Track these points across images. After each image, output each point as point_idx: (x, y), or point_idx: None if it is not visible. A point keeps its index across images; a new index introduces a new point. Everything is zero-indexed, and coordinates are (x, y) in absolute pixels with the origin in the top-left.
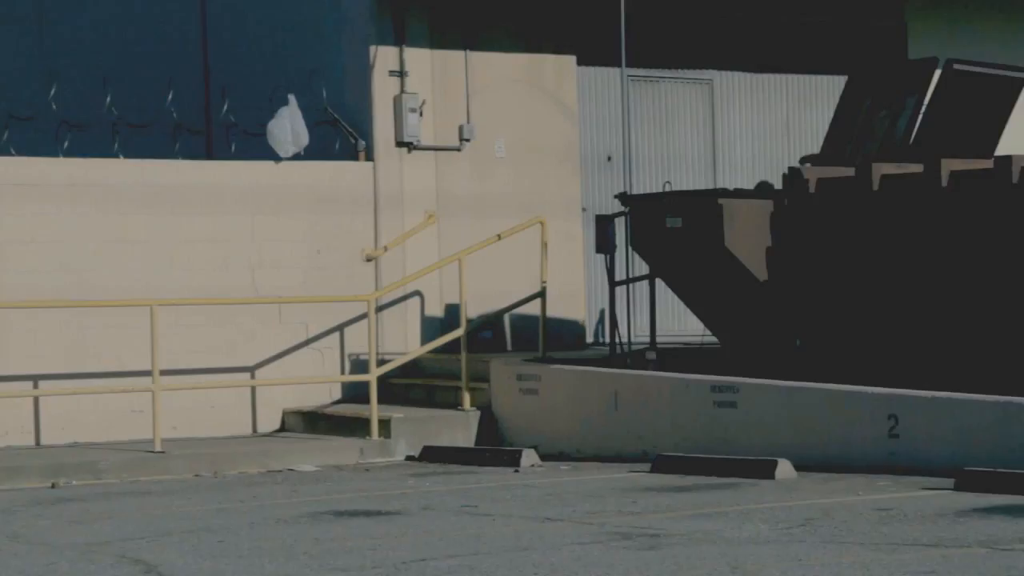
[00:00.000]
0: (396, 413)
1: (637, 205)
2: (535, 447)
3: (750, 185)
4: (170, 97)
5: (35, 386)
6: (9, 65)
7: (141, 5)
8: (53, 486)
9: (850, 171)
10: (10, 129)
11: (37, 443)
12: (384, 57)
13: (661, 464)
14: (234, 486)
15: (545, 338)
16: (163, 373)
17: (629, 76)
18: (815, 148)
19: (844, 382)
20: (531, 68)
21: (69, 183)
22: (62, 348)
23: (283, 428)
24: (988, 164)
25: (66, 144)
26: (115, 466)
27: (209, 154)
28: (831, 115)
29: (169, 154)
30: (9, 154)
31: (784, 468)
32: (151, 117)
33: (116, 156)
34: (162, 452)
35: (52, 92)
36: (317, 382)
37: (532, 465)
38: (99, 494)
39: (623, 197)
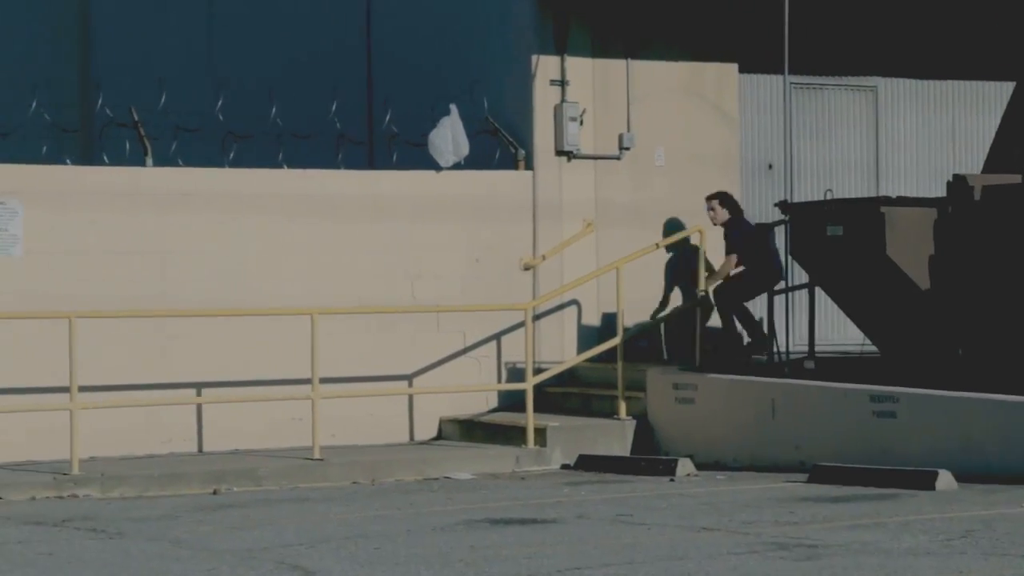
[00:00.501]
0: (552, 422)
1: (797, 213)
2: (691, 456)
3: (914, 193)
4: (334, 108)
5: (198, 394)
6: (178, 77)
7: (306, 18)
8: (215, 492)
9: (1016, 178)
10: (178, 140)
11: (200, 450)
12: (545, 66)
13: (818, 474)
14: (391, 493)
15: (702, 347)
16: (323, 381)
17: (791, 83)
18: (981, 155)
19: (1007, 392)
20: (692, 76)
21: (234, 193)
22: (225, 356)
23: (440, 436)
24: None
25: (232, 154)
26: (275, 473)
27: (371, 164)
28: (998, 122)
29: (332, 164)
30: (176, 164)
31: (945, 479)
32: (315, 128)
33: (280, 166)
34: (321, 459)
35: (219, 104)
36: (474, 390)
37: (688, 474)
38: (259, 500)
39: (783, 205)
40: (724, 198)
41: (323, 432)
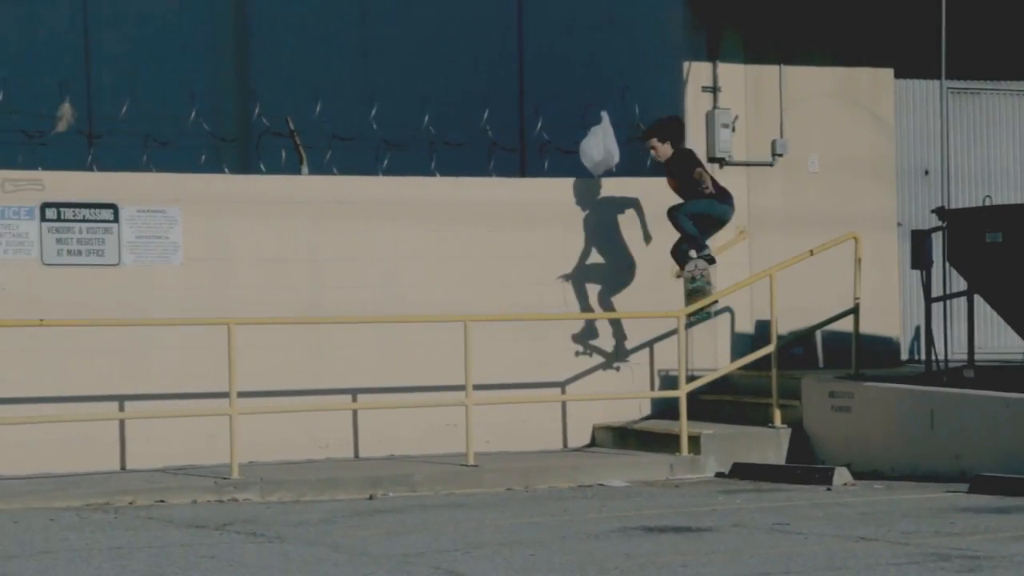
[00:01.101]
0: (706, 429)
1: (955, 220)
2: (847, 465)
3: None
4: (485, 116)
5: (354, 399)
6: (333, 87)
7: (458, 27)
8: (371, 498)
9: None
10: (333, 149)
11: (356, 455)
12: (697, 73)
13: (980, 484)
14: (545, 500)
15: (858, 355)
16: (476, 388)
17: (948, 88)
18: None
19: None
20: (846, 82)
21: (387, 201)
22: (379, 362)
23: (593, 443)
24: None
25: (385, 163)
26: (429, 479)
27: (523, 172)
28: None
29: (483, 172)
30: (331, 173)
31: None
32: (467, 136)
33: (432, 174)
34: (475, 466)
35: (372, 112)
36: (626, 398)
37: (844, 484)
38: (414, 506)
39: (941, 211)
40: (663, 132)
41: (477, 438)
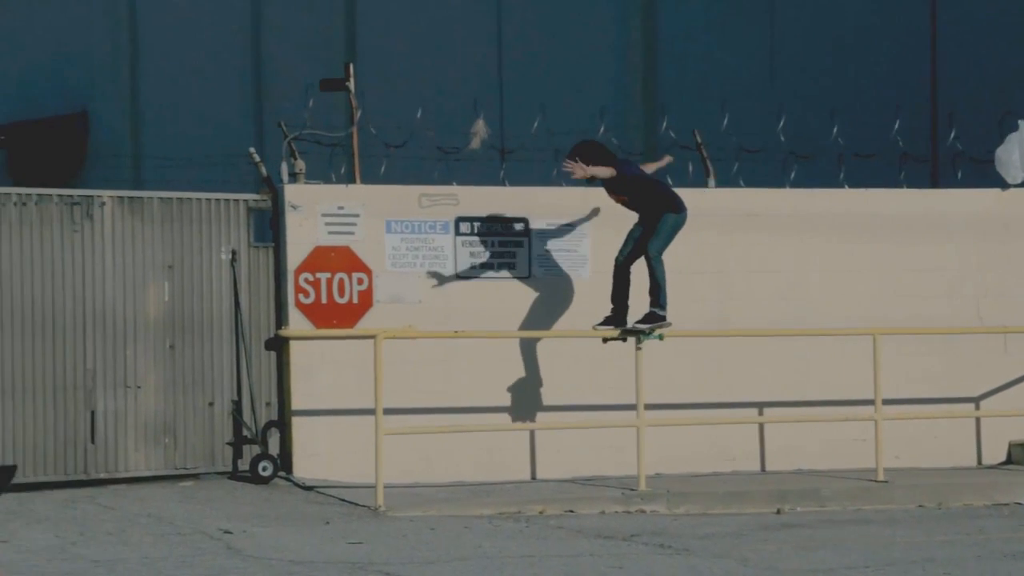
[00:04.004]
0: None
1: None
2: None
3: None
4: (896, 126)
5: (760, 413)
6: (740, 99)
7: (868, 37)
8: (778, 512)
9: None
10: (740, 161)
11: (762, 468)
12: None
13: None
14: (958, 518)
15: None
16: (885, 402)
17: None
18: None
19: None
20: None
21: (794, 213)
22: (785, 375)
23: (1009, 460)
24: None
25: (792, 175)
26: (837, 494)
27: (934, 182)
28: None
29: (892, 183)
30: (738, 185)
31: None
32: (876, 147)
33: (841, 186)
34: (885, 481)
35: (780, 124)
36: None
37: None
38: (822, 521)
39: None
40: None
41: (887, 454)
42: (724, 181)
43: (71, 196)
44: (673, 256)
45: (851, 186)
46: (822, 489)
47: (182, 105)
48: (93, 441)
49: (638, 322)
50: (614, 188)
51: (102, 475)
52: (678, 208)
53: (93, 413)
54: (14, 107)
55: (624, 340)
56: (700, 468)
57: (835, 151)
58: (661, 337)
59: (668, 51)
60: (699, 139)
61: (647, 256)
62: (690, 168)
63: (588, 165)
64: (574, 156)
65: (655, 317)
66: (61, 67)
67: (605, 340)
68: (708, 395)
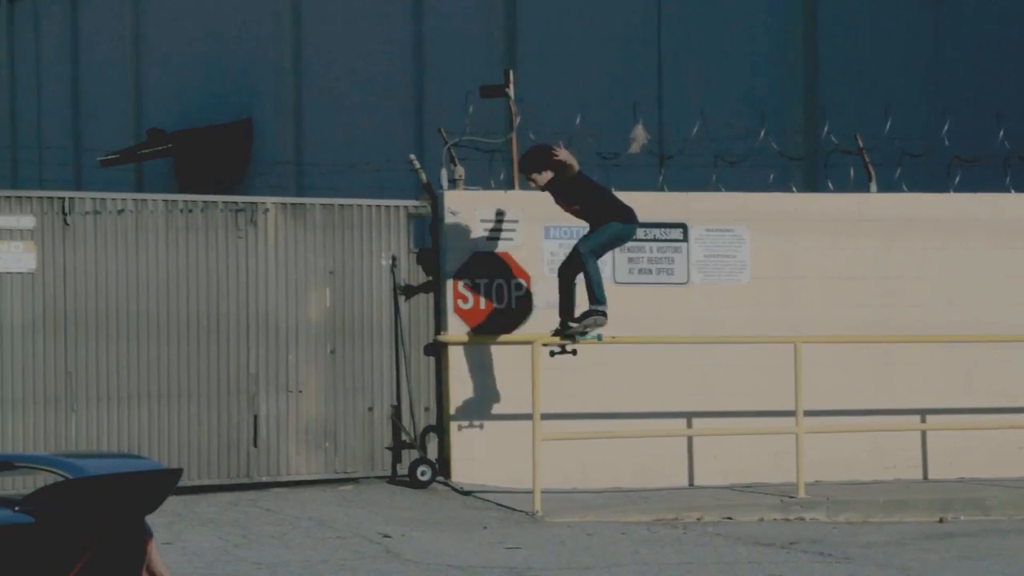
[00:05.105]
0: None
1: None
2: None
3: None
4: None
5: (922, 420)
6: (903, 103)
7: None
8: (940, 520)
9: None
10: (902, 165)
11: (924, 477)
12: None
13: None
14: None
15: None
16: None
17: None
18: None
19: None
20: None
21: (957, 218)
22: (948, 382)
23: None
24: None
25: (956, 179)
26: (1003, 503)
27: None
28: None
29: None
30: (900, 190)
31: None
32: None
33: (1007, 190)
34: None
35: (944, 128)
36: None
37: None
38: (987, 531)
39: None
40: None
41: None
42: (886, 186)
43: (236, 203)
44: (832, 261)
45: (1017, 190)
46: (987, 498)
47: (344, 112)
48: (256, 445)
49: (572, 321)
50: (567, 195)
51: (264, 478)
52: (627, 219)
53: (256, 417)
54: (181, 115)
55: (572, 352)
56: (859, 476)
57: (1001, 155)
58: (599, 338)
59: (829, 54)
60: (860, 143)
61: (576, 250)
62: (851, 173)
63: (540, 172)
64: (529, 172)
65: (592, 313)
66: (226, 76)
67: (552, 354)
68: (867, 401)
